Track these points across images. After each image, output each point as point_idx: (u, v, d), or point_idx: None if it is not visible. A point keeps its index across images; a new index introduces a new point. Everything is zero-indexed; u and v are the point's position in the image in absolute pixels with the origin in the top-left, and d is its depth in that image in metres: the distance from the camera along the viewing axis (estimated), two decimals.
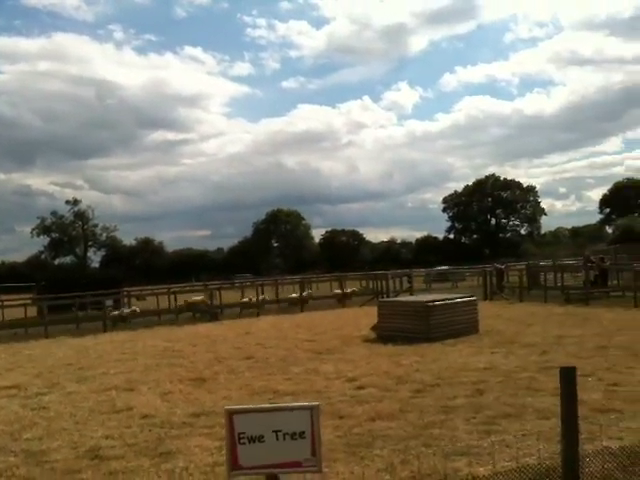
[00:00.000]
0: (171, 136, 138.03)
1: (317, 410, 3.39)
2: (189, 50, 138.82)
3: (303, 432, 3.37)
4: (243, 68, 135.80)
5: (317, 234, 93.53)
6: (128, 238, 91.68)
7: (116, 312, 24.15)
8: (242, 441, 3.36)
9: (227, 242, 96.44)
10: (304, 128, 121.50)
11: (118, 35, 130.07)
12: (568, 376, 4.22)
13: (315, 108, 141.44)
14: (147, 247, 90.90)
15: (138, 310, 24.78)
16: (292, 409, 3.49)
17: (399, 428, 7.20)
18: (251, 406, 3.57)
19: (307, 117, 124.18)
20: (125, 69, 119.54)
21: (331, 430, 7.22)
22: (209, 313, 24.02)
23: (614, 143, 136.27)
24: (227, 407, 3.49)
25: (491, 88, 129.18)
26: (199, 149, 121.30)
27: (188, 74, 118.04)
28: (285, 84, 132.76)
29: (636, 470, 5.19)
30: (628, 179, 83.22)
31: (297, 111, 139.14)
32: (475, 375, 10.02)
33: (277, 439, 3.36)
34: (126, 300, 27.58)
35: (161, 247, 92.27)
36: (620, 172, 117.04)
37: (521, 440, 6.42)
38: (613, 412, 7.43)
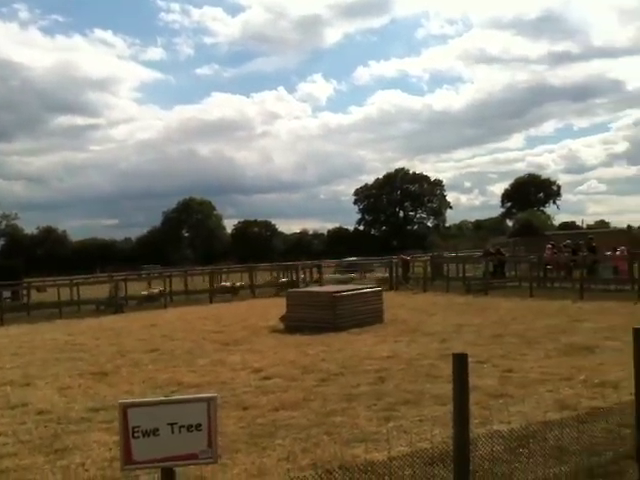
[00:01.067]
0: (79, 121, 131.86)
1: (214, 402, 3.38)
2: (99, 33, 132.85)
3: (200, 424, 3.35)
4: (155, 53, 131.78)
5: (230, 225, 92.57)
6: (30, 227, 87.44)
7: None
8: (136, 435, 3.30)
9: (136, 232, 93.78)
10: (218, 116, 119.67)
11: (23, 15, 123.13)
12: (460, 362, 4.40)
13: (229, 97, 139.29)
14: (49, 236, 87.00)
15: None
16: (188, 401, 3.46)
17: (302, 417, 7.29)
18: (146, 399, 3.51)
19: (221, 105, 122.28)
20: (30, 50, 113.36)
21: (234, 421, 7.22)
22: (114, 305, 23.32)
23: (517, 140, 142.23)
24: (121, 401, 3.42)
25: (403, 83, 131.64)
26: (108, 135, 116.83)
27: (97, 57, 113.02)
28: (199, 71, 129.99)
29: (523, 452, 5.49)
30: (529, 175, 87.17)
31: (211, 99, 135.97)
32: (378, 363, 10.27)
33: (172, 432, 3.32)
34: (25, 292, 26.35)
35: (64, 236, 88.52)
36: (521, 168, 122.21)
37: (418, 425, 6.65)
38: (506, 397, 7.81)
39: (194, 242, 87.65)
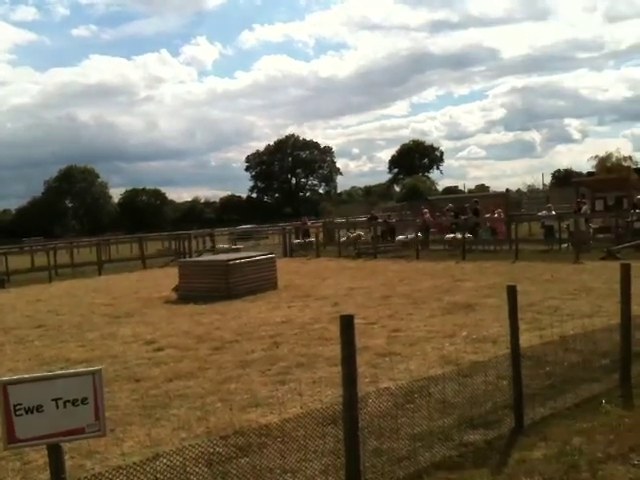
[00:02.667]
0: None
1: (99, 375, 3.31)
2: None
3: (85, 398, 3.28)
4: (28, 13, 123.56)
5: (116, 194, 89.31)
6: None
7: None
8: (19, 412, 3.19)
9: (15, 203, 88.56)
10: (97, 80, 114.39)
11: None
12: (347, 323, 4.55)
13: (109, 59, 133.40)
14: None
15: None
16: (73, 375, 3.37)
17: (197, 386, 7.27)
18: (27, 376, 3.39)
19: (100, 68, 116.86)
20: None
21: (127, 394, 7.09)
22: None
23: (401, 107, 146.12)
24: (0, 378, 3.28)
25: (289, 48, 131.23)
26: None
27: None
28: (75, 32, 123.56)
29: (410, 407, 5.76)
30: (413, 141, 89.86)
31: (89, 62, 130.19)
32: (272, 329, 10.39)
33: (57, 407, 3.23)
34: None
35: None
36: (406, 134, 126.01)
37: (312, 387, 6.85)
38: (394, 355, 8.14)
39: (78, 212, 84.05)
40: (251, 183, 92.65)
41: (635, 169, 41.19)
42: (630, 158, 44.58)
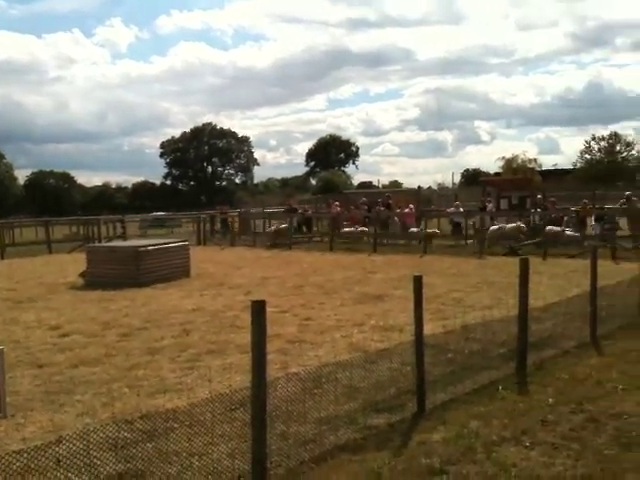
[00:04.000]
0: None
1: (1, 355, 3.23)
2: None
3: None
4: None
5: (22, 175, 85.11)
6: None
7: None
8: None
9: None
10: (4, 57, 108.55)
11: None
12: (258, 309, 4.61)
13: (17, 36, 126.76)
14: None
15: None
16: None
17: (103, 372, 7.13)
18: None
19: (8, 45, 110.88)
20: None
21: (29, 380, 6.88)
22: None
23: (319, 101, 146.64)
24: None
25: (207, 36, 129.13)
26: None
27: None
28: None
29: (318, 392, 5.89)
30: (330, 135, 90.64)
31: None
32: (183, 317, 10.29)
33: None
34: None
35: None
36: (323, 129, 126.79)
37: (222, 374, 6.86)
38: (304, 343, 8.27)
39: None
40: (165, 170, 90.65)
41: (539, 171, 43.32)
42: (535, 160, 46.85)
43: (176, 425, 5.12)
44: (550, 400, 5.90)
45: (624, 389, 6.18)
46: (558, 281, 12.20)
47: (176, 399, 6.05)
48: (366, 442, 5.14)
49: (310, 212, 28.67)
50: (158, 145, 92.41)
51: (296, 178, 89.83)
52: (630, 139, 61.54)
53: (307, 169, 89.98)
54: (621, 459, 4.66)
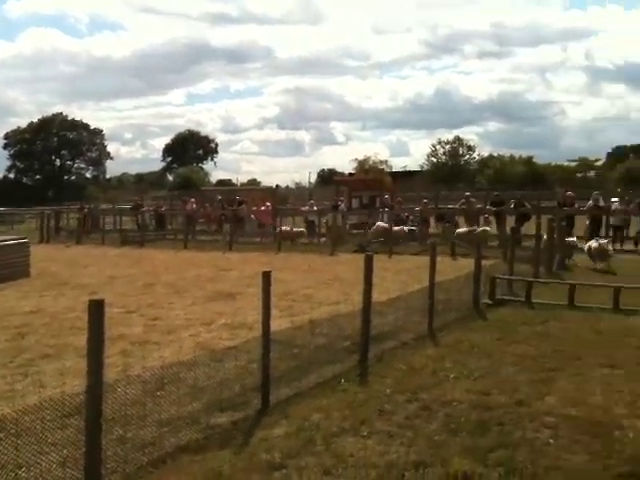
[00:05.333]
0: None
1: None
2: None
3: None
4: None
5: None
6: None
7: None
8: None
9: None
10: None
11: None
12: (96, 308, 4.42)
13: None
14: None
15: None
16: None
17: None
18: None
19: None
20: None
21: None
22: None
23: (178, 95, 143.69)
24: None
25: (61, 23, 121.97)
26: None
27: None
28: None
29: (160, 393, 5.73)
30: (189, 131, 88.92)
31: None
32: (19, 319, 9.63)
33: None
34: None
35: None
36: (182, 124, 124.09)
37: (58, 379, 6.49)
38: (150, 344, 8.04)
39: None
40: (9, 162, 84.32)
41: (390, 172, 45.27)
42: (386, 162, 48.92)
43: (1, 435, 4.76)
44: (388, 390, 6.17)
45: (455, 377, 6.60)
46: (402, 277, 12.80)
47: (5, 408, 5.63)
48: (208, 442, 5.09)
49: (164, 209, 27.96)
50: (1, 136, 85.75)
51: (152, 174, 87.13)
52: (471, 144, 66.08)
53: (164, 164, 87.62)
54: (450, 444, 4.96)
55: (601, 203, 19.86)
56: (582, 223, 19.35)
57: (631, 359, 7.05)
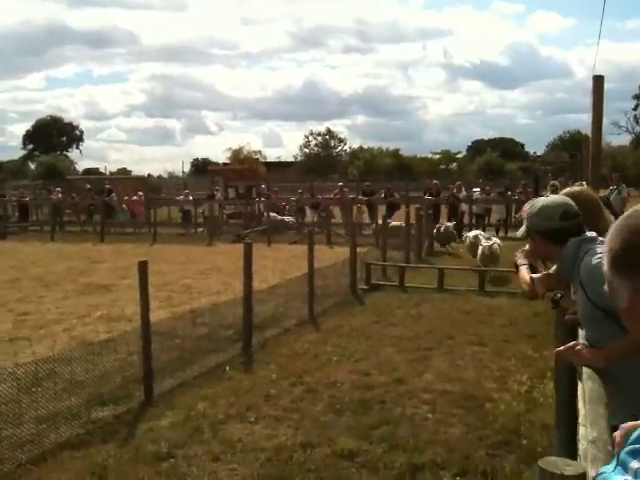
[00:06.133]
0: None
1: None
2: None
3: None
4: None
5: None
6: None
7: None
8: None
9: None
10: None
11: None
12: None
13: None
14: None
15: None
16: None
17: None
18: None
19: None
20: None
21: None
22: None
23: (37, 79, 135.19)
24: None
25: None
26: None
27: None
28: None
29: (36, 390, 5.46)
30: (50, 117, 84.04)
31: None
32: None
33: None
34: None
35: None
36: (42, 109, 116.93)
37: None
38: (21, 340, 7.61)
39: None
40: None
41: (264, 163, 45.39)
42: (260, 152, 48.93)
43: None
44: (273, 376, 6.26)
45: (337, 360, 6.81)
46: (281, 265, 12.93)
47: None
48: (91, 437, 4.94)
49: (28, 199, 26.34)
50: None
51: (12, 162, 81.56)
52: (342, 136, 67.58)
53: (25, 152, 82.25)
54: (335, 424, 5.13)
55: (462, 193, 21.11)
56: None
57: (497, 337, 7.60)
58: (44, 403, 5.28)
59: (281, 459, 4.44)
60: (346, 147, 68.01)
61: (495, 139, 68.41)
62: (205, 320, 7.75)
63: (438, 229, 15.87)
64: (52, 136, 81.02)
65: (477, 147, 67.21)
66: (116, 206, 24.00)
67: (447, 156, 66.16)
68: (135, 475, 4.23)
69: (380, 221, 15.44)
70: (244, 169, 30.25)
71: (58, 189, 25.59)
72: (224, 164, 40.73)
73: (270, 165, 47.14)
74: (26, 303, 9.92)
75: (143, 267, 5.88)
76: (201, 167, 60.17)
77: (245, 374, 6.46)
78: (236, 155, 43.90)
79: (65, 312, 9.18)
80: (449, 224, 16.32)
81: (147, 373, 5.82)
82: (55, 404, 5.30)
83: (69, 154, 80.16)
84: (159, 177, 51.49)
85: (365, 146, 67.38)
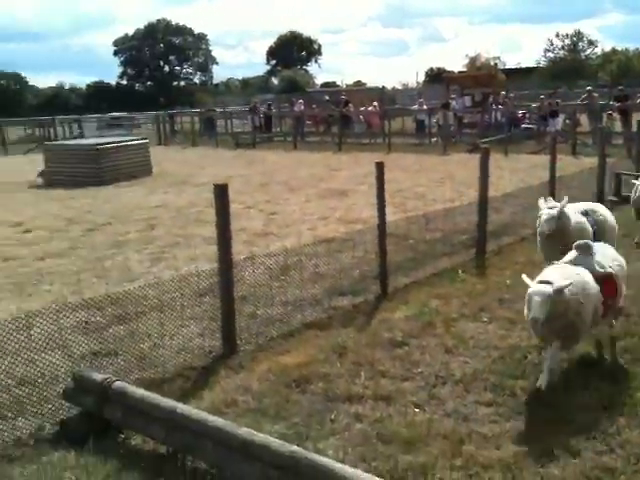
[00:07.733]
0: None
1: None
2: None
3: None
4: None
5: None
6: None
7: None
8: None
9: None
10: None
11: None
12: (221, 191, 4.70)
13: None
14: None
15: None
16: None
17: (70, 264, 7.17)
18: None
19: None
20: None
21: None
22: None
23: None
24: None
25: None
26: None
27: None
28: None
29: (285, 278, 6.04)
30: (291, 32, 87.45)
31: None
32: (147, 213, 10.27)
33: None
34: None
35: None
36: (282, 26, 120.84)
37: (189, 264, 6.94)
38: (270, 235, 8.40)
39: None
40: (120, 69, 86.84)
41: (503, 70, 42.94)
42: (498, 58, 46.36)
43: (146, 309, 5.22)
44: (508, 282, 6.14)
45: None
46: (519, 175, 12.40)
47: (146, 287, 6.12)
48: (331, 321, 5.36)
49: (273, 110, 28.15)
50: (110, 43, 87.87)
51: (257, 78, 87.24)
52: (592, 38, 61.06)
53: (268, 68, 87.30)
54: None
55: None
56: None
57: None
58: (291, 290, 5.82)
59: (514, 358, 4.43)
60: (597, 50, 61.52)
61: None
62: (438, 225, 7.80)
63: None
64: (292, 51, 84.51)
65: None
66: (353, 117, 24.62)
67: None
68: (372, 356, 4.52)
69: (635, 129, 13.90)
70: (481, 75, 28.95)
71: (301, 101, 26.90)
72: (460, 72, 39.38)
73: (509, 72, 44.49)
74: (274, 204, 10.81)
75: (380, 167, 6.04)
76: (435, 76, 58.91)
77: (478, 278, 6.44)
78: (472, 62, 42.13)
79: (307, 213, 9.85)
80: None
81: (382, 270, 6.08)
82: (300, 291, 5.81)
83: (308, 68, 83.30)
84: (393, 88, 51.46)
85: (619, 48, 60.32)
